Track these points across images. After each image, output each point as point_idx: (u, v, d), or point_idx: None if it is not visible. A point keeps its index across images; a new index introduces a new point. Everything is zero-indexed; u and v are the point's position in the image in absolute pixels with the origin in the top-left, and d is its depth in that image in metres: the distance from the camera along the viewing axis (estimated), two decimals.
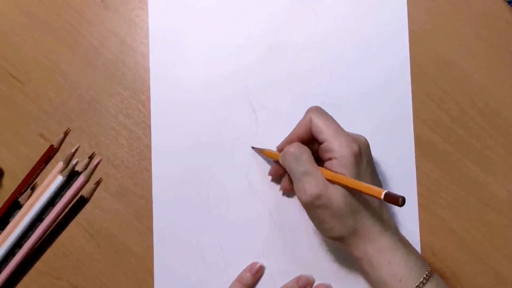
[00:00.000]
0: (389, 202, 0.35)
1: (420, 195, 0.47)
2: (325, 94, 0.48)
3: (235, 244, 0.46)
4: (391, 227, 0.41)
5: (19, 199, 0.47)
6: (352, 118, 0.47)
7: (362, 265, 0.40)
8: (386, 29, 0.49)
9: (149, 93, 0.48)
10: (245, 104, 0.48)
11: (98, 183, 0.47)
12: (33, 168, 0.47)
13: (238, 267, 0.46)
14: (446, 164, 0.47)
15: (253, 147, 0.47)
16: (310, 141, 0.42)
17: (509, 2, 0.49)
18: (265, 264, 0.46)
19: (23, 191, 0.47)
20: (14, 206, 0.47)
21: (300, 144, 0.41)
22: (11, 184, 0.47)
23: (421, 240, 0.46)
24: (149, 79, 0.48)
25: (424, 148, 0.47)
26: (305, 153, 0.40)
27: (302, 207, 0.45)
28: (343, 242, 0.41)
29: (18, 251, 0.46)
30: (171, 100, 0.48)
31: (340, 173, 0.38)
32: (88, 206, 0.47)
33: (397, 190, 0.47)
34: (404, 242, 0.41)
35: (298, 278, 0.45)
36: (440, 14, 0.49)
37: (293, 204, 0.47)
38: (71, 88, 0.48)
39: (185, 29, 0.48)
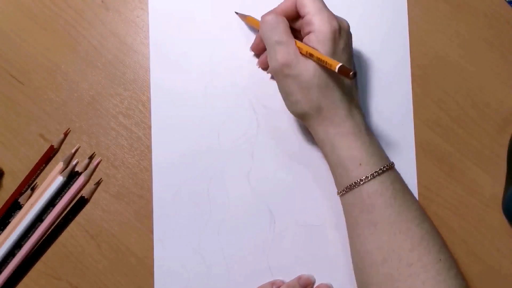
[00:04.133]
0: (342, 75, 0.37)
1: (420, 195, 0.47)
2: None
3: (236, 244, 0.46)
4: (358, 114, 0.42)
5: (19, 200, 0.47)
6: None
7: (324, 147, 0.41)
8: (386, 29, 0.49)
9: (150, 94, 0.48)
10: (245, 104, 0.48)
11: (98, 184, 0.47)
12: (33, 168, 0.47)
13: (238, 267, 0.46)
14: (446, 164, 0.47)
15: (236, 12, 0.48)
16: (295, 18, 0.42)
17: (509, 2, 0.49)
18: (265, 264, 0.46)
19: (23, 191, 0.47)
20: (14, 206, 0.47)
21: (277, 14, 0.41)
22: (11, 184, 0.47)
23: None
24: (149, 79, 0.48)
25: (424, 148, 0.47)
26: (281, 23, 0.41)
27: (301, 205, 0.45)
28: (307, 120, 0.42)
29: (18, 252, 0.46)
30: (172, 101, 0.48)
31: (313, 47, 0.39)
32: (88, 207, 0.47)
33: None
34: (369, 132, 0.42)
35: (299, 278, 0.45)
36: (440, 14, 0.49)
37: (294, 204, 0.47)
38: (71, 89, 0.48)
39: (185, 29, 0.48)
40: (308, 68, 0.39)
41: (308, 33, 0.40)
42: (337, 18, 0.41)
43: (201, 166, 0.47)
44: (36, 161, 0.47)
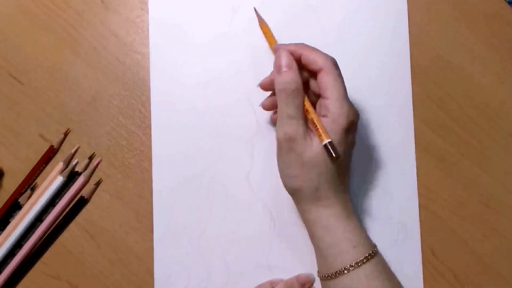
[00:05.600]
0: (326, 151, 0.38)
1: (420, 195, 0.47)
2: None
3: (235, 244, 0.46)
4: (349, 197, 0.42)
5: (19, 200, 0.47)
6: None
7: (315, 228, 0.41)
8: (386, 29, 0.49)
9: (149, 94, 0.48)
10: (245, 104, 0.48)
11: (98, 184, 0.47)
12: (33, 168, 0.47)
13: (238, 267, 0.46)
14: (446, 164, 0.47)
15: (256, 11, 0.46)
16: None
17: (509, 2, 0.49)
18: (265, 264, 0.46)
19: (23, 191, 0.47)
20: (14, 206, 0.47)
21: (298, 87, 0.39)
22: (11, 184, 0.47)
23: (421, 240, 0.46)
24: (149, 79, 0.48)
25: (424, 148, 0.47)
26: (298, 98, 0.39)
27: None
28: (300, 198, 0.41)
29: (18, 252, 0.46)
30: (172, 101, 0.48)
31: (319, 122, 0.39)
32: (88, 207, 0.47)
33: (397, 190, 0.47)
34: (357, 220, 0.42)
35: (297, 276, 0.45)
36: (440, 14, 0.49)
37: (293, 204, 0.47)
38: (71, 89, 0.48)
39: (185, 30, 0.49)
40: (313, 149, 0.39)
41: (324, 115, 0.39)
42: (353, 110, 0.40)
43: (201, 166, 0.47)
44: (36, 161, 0.47)
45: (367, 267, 0.39)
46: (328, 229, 0.40)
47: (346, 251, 0.39)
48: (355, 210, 0.43)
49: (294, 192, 0.41)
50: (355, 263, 0.39)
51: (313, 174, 0.39)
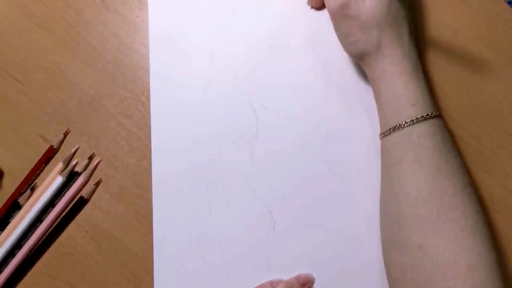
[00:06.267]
0: None
1: None
2: (325, 94, 0.48)
3: (236, 244, 0.46)
4: (415, 55, 0.42)
5: (18, 200, 0.47)
6: (353, 117, 0.47)
7: (378, 84, 0.42)
8: None
9: (149, 94, 0.48)
10: (245, 104, 0.48)
11: (98, 184, 0.47)
12: (33, 168, 0.47)
13: (238, 267, 0.46)
14: None
15: None
16: None
17: (509, 2, 0.49)
18: (265, 264, 0.46)
19: (22, 191, 0.47)
20: (14, 206, 0.47)
21: None
22: (11, 184, 0.47)
23: None
24: (149, 79, 0.48)
25: None
26: None
27: (301, 205, 0.45)
28: (365, 59, 0.42)
29: (18, 252, 0.46)
30: (171, 101, 0.48)
31: None
32: (88, 207, 0.47)
33: None
34: (423, 76, 0.42)
35: (297, 276, 0.45)
36: (440, 14, 0.49)
37: (293, 204, 0.47)
38: (71, 89, 0.48)
39: (185, 30, 0.49)
40: (367, 7, 0.40)
41: None
42: None
43: (201, 166, 0.47)
44: (36, 161, 0.47)
45: (422, 126, 0.39)
46: (390, 84, 0.40)
47: (403, 107, 0.40)
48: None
49: (360, 57, 0.42)
50: (410, 120, 0.39)
51: (373, 33, 0.40)
